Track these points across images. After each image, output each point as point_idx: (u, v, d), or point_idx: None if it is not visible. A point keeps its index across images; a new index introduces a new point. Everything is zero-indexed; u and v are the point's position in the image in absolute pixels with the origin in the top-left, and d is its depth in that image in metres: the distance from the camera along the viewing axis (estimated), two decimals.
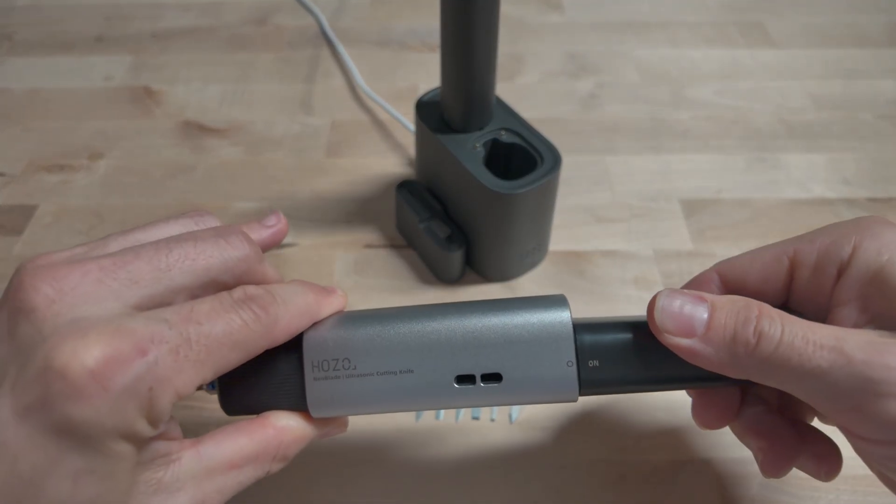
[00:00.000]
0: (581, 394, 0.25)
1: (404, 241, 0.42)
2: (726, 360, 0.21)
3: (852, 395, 0.19)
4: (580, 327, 0.25)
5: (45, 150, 0.48)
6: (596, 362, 0.24)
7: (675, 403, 0.35)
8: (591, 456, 0.33)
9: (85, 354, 0.18)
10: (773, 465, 0.25)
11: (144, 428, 0.19)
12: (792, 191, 0.45)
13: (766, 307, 0.22)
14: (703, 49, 0.56)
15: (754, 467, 0.33)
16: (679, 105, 0.51)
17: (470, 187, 0.36)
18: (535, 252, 0.40)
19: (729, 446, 0.34)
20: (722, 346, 0.21)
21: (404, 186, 0.41)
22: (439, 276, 0.40)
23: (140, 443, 0.20)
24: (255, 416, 0.25)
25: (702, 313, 0.22)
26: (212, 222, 0.27)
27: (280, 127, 0.49)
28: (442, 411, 0.35)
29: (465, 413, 0.35)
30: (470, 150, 0.36)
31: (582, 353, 0.24)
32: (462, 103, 0.36)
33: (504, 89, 0.51)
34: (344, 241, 0.42)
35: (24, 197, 0.45)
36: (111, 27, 0.58)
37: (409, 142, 0.48)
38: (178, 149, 0.48)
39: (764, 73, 0.54)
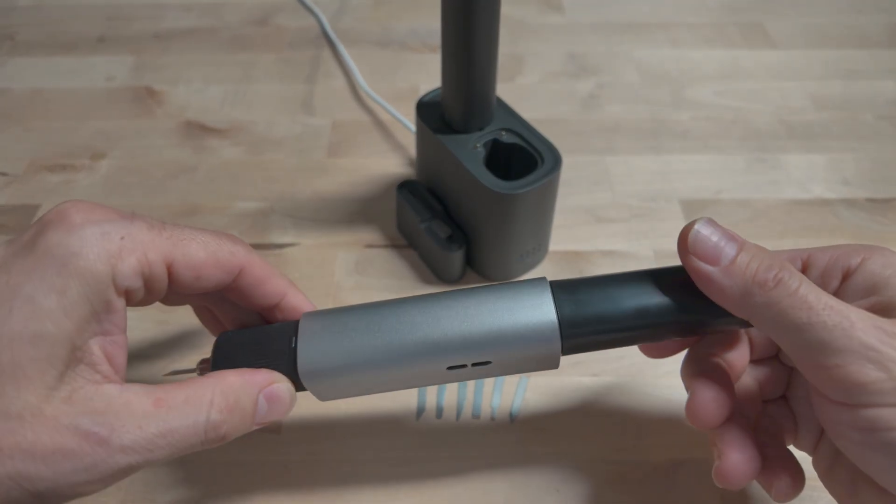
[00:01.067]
0: (563, 353, 0.25)
1: (405, 241, 0.42)
2: (737, 294, 0.22)
3: (842, 354, 0.21)
4: (560, 291, 0.25)
5: (47, 150, 0.48)
6: (578, 330, 0.25)
7: (675, 403, 0.35)
8: (590, 455, 0.33)
9: (81, 209, 0.22)
10: (734, 472, 0.25)
11: (106, 272, 0.22)
12: (792, 191, 0.45)
13: (789, 264, 0.23)
14: (703, 49, 0.56)
15: None
16: (679, 105, 0.51)
17: (470, 187, 0.36)
18: (535, 252, 0.40)
19: None
20: (739, 281, 0.22)
21: (405, 186, 0.41)
22: (440, 276, 0.40)
23: (98, 296, 0.22)
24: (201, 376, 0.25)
25: (731, 250, 0.23)
26: None
27: (281, 127, 0.50)
28: (442, 411, 0.35)
29: (465, 412, 0.35)
30: (470, 150, 0.37)
31: (564, 325, 0.24)
32: (463, 104, 0.36)
33: (504, 90, 0.51)
34: (345, 241, 0.42)
35: (27, 197, 0.45)
36: (113, 27, 0.58)
37: (409, 142, 0.48)
38: (180, 149, 0.48)
39: (764, 73, 0.54)
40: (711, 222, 0.24)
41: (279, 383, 0.25)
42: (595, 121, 0.50)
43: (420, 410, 0.35)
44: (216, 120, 0.50)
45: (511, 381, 0.36)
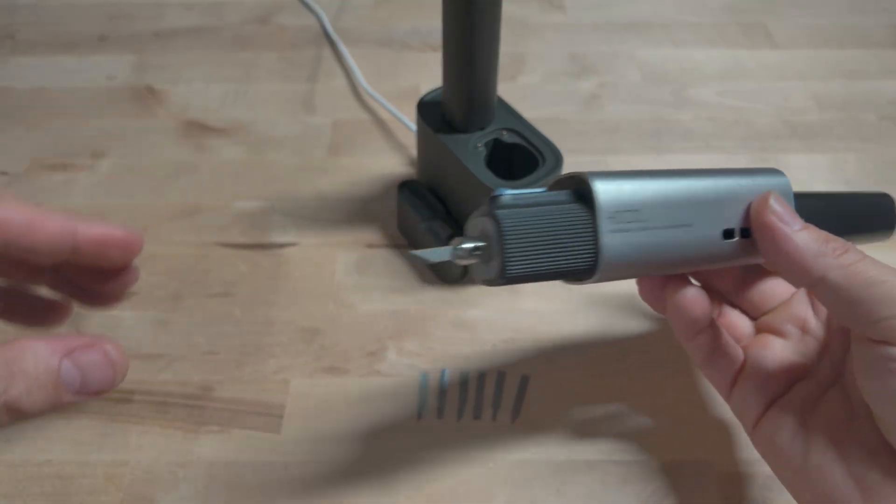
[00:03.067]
0: None
1: (405, 241, 0.42)
2: (812, 252, 0.24)
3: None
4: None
5: (48, 149, 0.48)
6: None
7: (676, 404, 0.35)
8: (592, 456, 0.33)
9: None
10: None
11: None
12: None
13: None
14: (704, 49, 0.56)
15: (756, 468, 0.33)
16: (681, 105, 0.51)
17: (471, 187, 0.36)
18: None
19: (731, 447, 0.34)
20: (813, 242, 0.24)
21: (406, 186, 0.41)
22: (440, 276, 0.40)
23: None
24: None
25: (801, 222, 0.25)
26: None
27: (282, 126, 0.50)
28: (443, 410, 0.35)
29: (466, 412, 0.35)
30: (471, 150, 0.36)
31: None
32: (464, 103, 0.36)
33: (506, 89, 0.51)
34: (345, 241, 0.42)
35: (28, 196, 0.45)
36: (114, 27, 0.58)
37: (410, 142, 0.48)
38: (181, 148, 0.48)
39: (766, 73, 0.54)
40: (783, 199, 0.26)
41: (94, 348, 0.22)
42: (596, 120, 0.50)
43: (421, 411, 0.35)
44: (217, 119, 0.50)
45: (512, 381, 0.36)
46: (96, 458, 0.33)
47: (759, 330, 0.31)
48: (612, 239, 0.23)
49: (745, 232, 0.25)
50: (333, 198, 0.45)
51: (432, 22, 0.59)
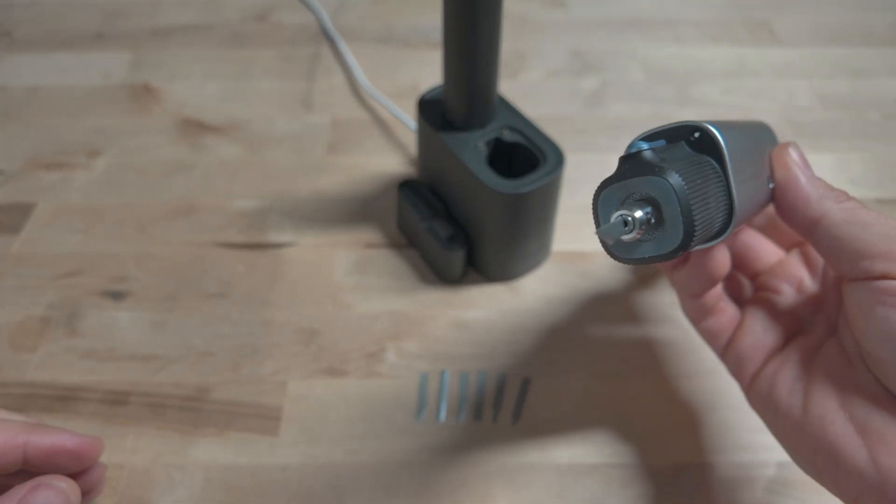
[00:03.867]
0: None
1: (406, 241, 0.42)
2: (816, 194, 0.25)
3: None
4: None
5: (44, 147, 0.47)
6: None
7: (678, 406, 0.35)
8: (593, 459, 0.33)
9: None
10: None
11: None
12: None
13: None
14: (708, 47, 0.56)
15: (759, 471, 0.32)
16: (684, 104, 0.51)
17: (472, 186, 0.35)
18: (537, 252, 0.39)
19: (733, 449, 0.33)
20: (821, 186, 0.26)
21: (406, 185, 0.40)
22: (441, 275, 0.39)
23: None
24: None
25: (812, 172, 0.26)
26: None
27: (280, 125, 0.49)
28: (443, 412, 0.34)
29: (466, 414, 0.34)
30: (472, 148, 0.36)
31: None
32: (464, 101, 0.36)
33: (507, 87, 0.51)
34: (345, 241, 0.42)
35: (23, 195, 0.44)
36: (110, 24, 0.57)
37: (410, 140, 0.48)
38: (178, 147, 0.47)
39: (770, 71, 0.54)
40: (800, 150, 0.27)
41: (38, 489, 0.24)
42: (599, 119, 0.50)
43: (420, 412, 0.34)
44: (214, 117, 0.50)
45: (513, 383, 0.35)
46: None
47: (756, 289, 0.31)
48: (739, 191, 0.22)
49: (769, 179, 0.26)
50: (332, 197, 0.44)
51: (432, 19, 0.58)
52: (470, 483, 0.32)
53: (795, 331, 0.28)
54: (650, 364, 0.36)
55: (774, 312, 0.29)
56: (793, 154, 0.26)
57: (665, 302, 0.38)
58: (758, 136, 0.27)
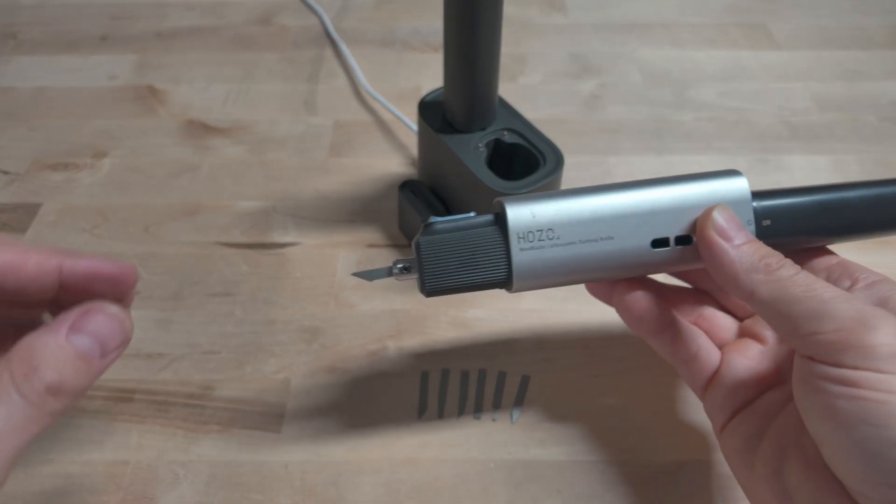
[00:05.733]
0: None
1: (407, 241, 0.42)
2: (742, 268, 0.24)
3: (838, 319, 0.22)
4: (754, 193, 0.27)
5: (50, 148, 0.48)
6: (769, 221, 0.27)
7: (678, 405, 0.35)
8: (592, 456, 0.33)
9: None
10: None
11: None
12: None
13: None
14: (705, 50, 0.56)
15: None
16: (682, 106, 0.51)
17: (472, 187, 0.36)
18: None
19: None
20: (747, 257, 0.25)
21: (407, 186, 0.41)
22: None
23: None
24: None
25: (743, 236, 0.25)
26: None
27: (283, 126, 0.50)
28: (444, 410, 0.35)
29: (466, 413, 0.35)
30: (472, 150, 0.36)
31: (756, 214, 0.27)
32: (465, 103, 0.36)
33: (507, 90, 0.51)
34: (346, 241, 0.42)
35: (29, 195, 0.45)
36: (116, 27, 0.58)
37: (411, 142, 0.48)
38: (182, 148, 0.48)
39: (767, 74, 0.54)
40: (731, 211, 0.26)
41: (90, 312, 0.22)
42: (597, 121, 0.50)
43: (421, 410, 0.35)
44: (218, 119, 0.50)
45: (512, 381, 0.36)
46: (97, 457, 0.33)
47: (741, 333, 0.31)
48: (523, 256, 0.26)
49: (687, 239, 0.27)
50: (334, 198, 0.45)
51: (433, 22, 0.59)
52: (470, 480, 0.32)
53: (771, 383, 0.28)
54: (649, 362, 0.37)
55: (751, 364, 0.29)
56: (717, 220, 0.25)
57: None
58: (660, 198, 0.26)
